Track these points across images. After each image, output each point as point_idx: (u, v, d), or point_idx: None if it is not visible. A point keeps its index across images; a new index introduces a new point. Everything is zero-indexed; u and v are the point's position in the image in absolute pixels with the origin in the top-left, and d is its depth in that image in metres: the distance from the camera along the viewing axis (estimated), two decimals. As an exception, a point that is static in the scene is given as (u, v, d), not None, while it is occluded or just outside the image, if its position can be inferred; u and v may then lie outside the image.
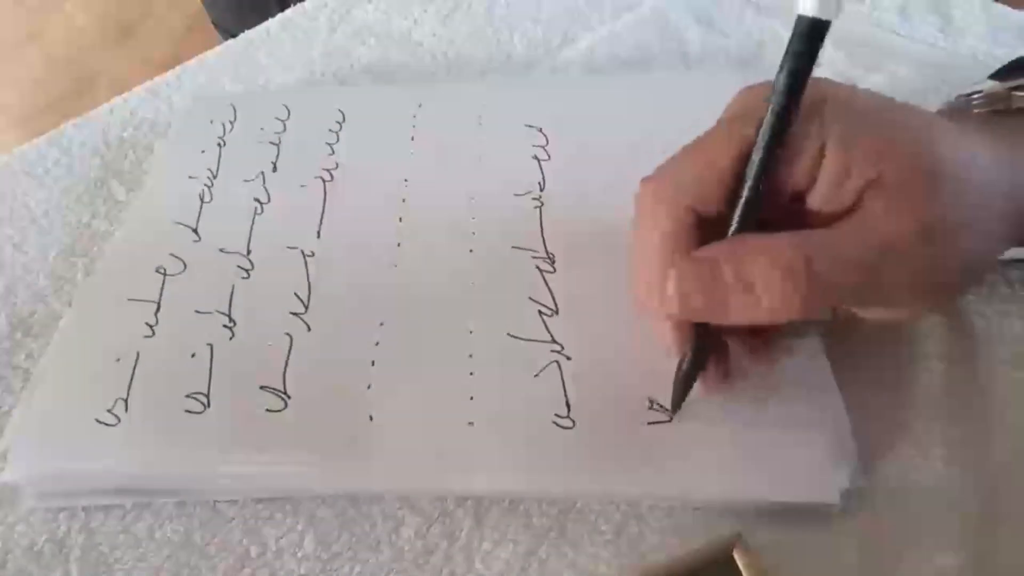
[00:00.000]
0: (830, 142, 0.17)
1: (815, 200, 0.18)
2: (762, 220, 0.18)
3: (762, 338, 0.20)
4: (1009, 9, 0.34)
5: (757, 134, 0.17)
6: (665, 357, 0.21)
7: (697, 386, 0.20)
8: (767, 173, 0.17)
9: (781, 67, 0.17)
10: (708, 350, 0.20)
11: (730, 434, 0.20)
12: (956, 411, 0.22)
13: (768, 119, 0.17)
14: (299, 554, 0.21)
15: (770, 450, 0.20)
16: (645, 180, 0.19)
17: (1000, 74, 0.24)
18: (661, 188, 0.19)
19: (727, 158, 0.18)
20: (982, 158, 0.18)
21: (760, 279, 0.17)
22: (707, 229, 0.18)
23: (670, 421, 0.20)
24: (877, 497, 0.20)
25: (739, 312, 0.17)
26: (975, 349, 0.23)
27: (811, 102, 0.17)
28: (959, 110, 0.21)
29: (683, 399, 0.20)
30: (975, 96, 0.21)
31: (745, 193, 0.18)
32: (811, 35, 0.16)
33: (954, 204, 0.17)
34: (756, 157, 0.17)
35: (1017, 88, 0.21)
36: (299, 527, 0.21)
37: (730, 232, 0.18)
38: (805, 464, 0.20)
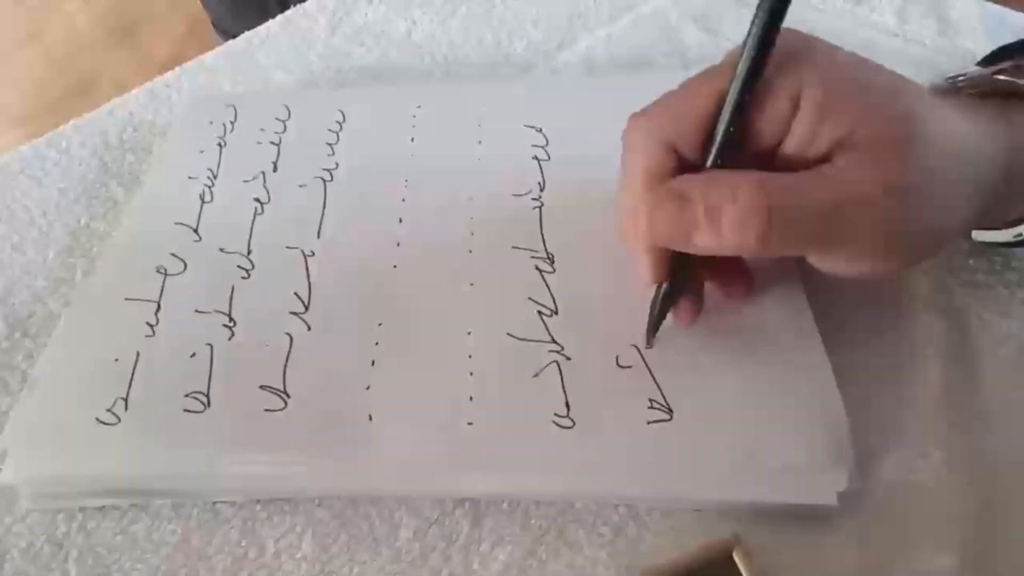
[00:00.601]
0: (805, 97, 0.18)
1: (787, 150, 0.19)
2: (739, 168, 0.19)
3: (740, 280, 0.22)
4: (1007, 10, 0.34)
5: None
6: (666, 357, 0.21)
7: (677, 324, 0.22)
8: (741, 116, 0.18)
9: (756, 13, 0.18)
10: (682, 282, 0.21)
11: (729, 435, 0.20)
12: (954, 413, 0.22)
13: (741, 63, 0.18)
14: (297, 555, 0.20)
15: (769, 451, 0.20)
16: (633, 115, 0.20)
17: (985, 62, 0.24)
18: (645, 124, 0.20)
19: (706, 101, 0.19)
20: (957, 129, 0.19)
21: (725, 211, 0.18)
22: (687, 172, 0.19)
23: (670, 420, 0.20)
24: (875, 499, 0.20)
25: (703, 241, 0.18)
26: (974, 350, 0.23)
27: (791, 54, 0.18)
28: (944, 90, 0.22)
29: (656, 329, 0.21)
30: (960, 78, 0.22)
31: (719, 133, 0.19)
32: None
33: (920, 168, 0.18)
34: (729, 99, 0.18)
35: (1000, 72, 0.21)
36: (297, 528, 0.21)
37: (706, 168, 0.19)
38: (804, 465, 0.20)
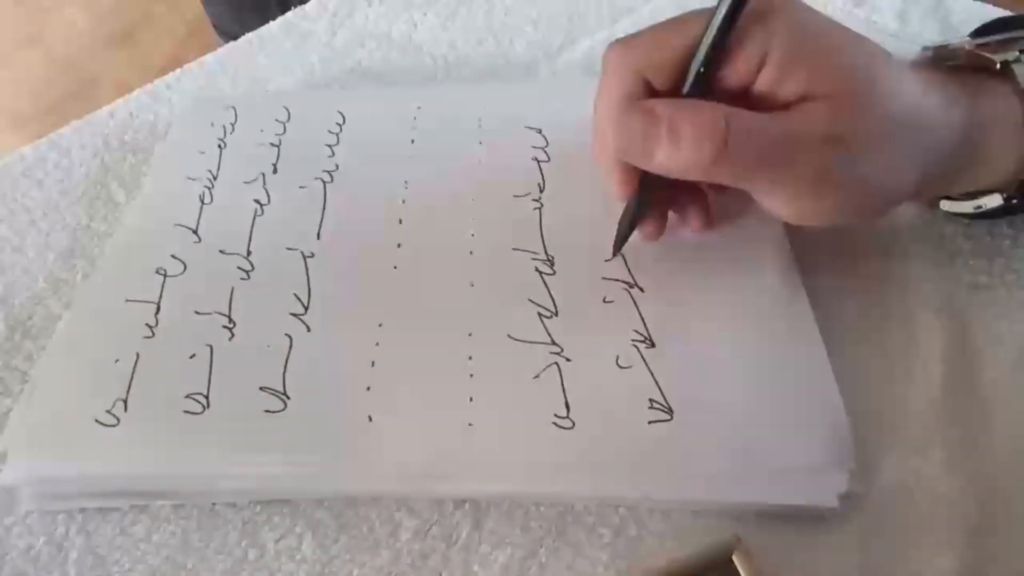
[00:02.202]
0: (772, 48, 0.19)
1: (754, 97, 0.20)
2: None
3: (701, 212, 0.24)
4: (1007, 12, 0.34)
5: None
6: (665, 357, 0.21)
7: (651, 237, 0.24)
8: (714, 58, 0.20)
9: None
10: (649, 200, 0.23)
11: (729, 435, 0.20)
12: (955, 414, 0.22)
13: (718, 10, 0.19)
14: (297, 556, 0.20)
15: (769, 452, 0.20)
16: (614, 42, 0.22)
17: (976, 34, 0.24)
18: (624, 52, 0.21)
19: (683, 41, 0.20)
20: (912, 96, 0.20)
21: (685, 131, 0.19)
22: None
23: (670, 420, 0.20)
24: (875, 500, 0.20)
25: (662, 157, 0.20)
26: (974, 352, 0.23)
27: (765, 8, 0.20)
28: (921, 60, 0.23)
29: (623, 242, 0.24)
30: (940, 48, 0.23)
31: (692, 70, 0.20)
32: None
33: (864, 124, 0.19)
34: (704, 41, 0.20)
35: (983, 47, 0.22)
36: (297, 529, 0.21)
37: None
38: (804, 466, 0.20)
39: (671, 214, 0.24)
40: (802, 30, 0.20)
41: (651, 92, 0.21)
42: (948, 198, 0.25)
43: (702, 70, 0.20)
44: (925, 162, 0.21)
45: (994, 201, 0.23)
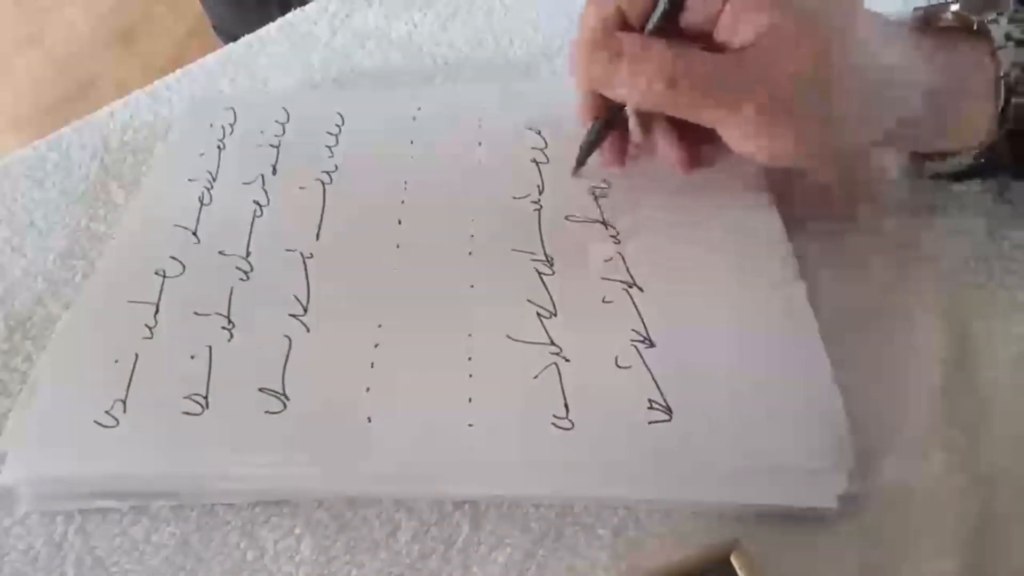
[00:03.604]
0: None
1: (717, 39, 0.22)
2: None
3: (693, 145, 0.25)
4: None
5: None
6: (664, 357, 0.22)
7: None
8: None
9: None
10: (611, 124, 0.25)
11: (729, 436, 0.20)
12: (954, 414, 0.22)
13: None
14: (296, 558, 0.20)
15: (768, 453, 0.20)
16: None
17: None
18: None
19: None
20: (875, 49, 0.21)
21: (644, 65, 0.21)
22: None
23: (669, 420, 0.20)
24: (875, 501, 0.20)
25: (624, 91, 0.22)
26: (974, 353, 0.23)
27: None
28: (904, 21, 0.24)
29: (583, 161, 0.26)
30: (929, 8, 0.24)
31: (659, 9, 0.22)
32: None
33: (826, 71, 0.21)
34: None
35: (969, 8, 0.23)
36: (296, 530, 0.21)
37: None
38: (803, 467, 0.20)
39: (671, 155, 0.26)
40: None
41: (625, 24, 0.23)
42: (928, 159, 0.26)
43: (667, 8, 0.22)
44: (892, 113, 0.22)
45: (966, 160, 0.24)
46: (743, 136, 0.22)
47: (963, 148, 0.24)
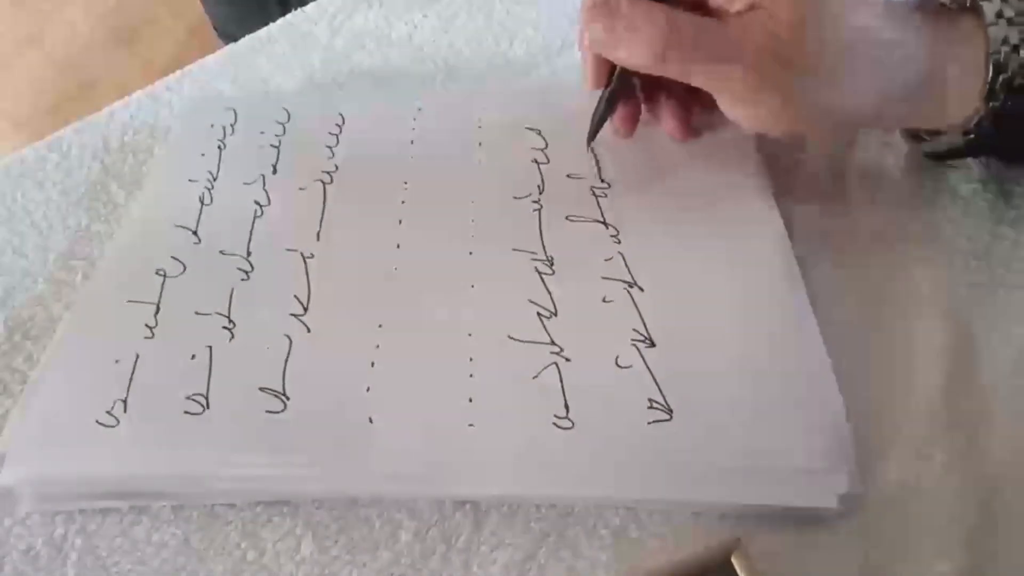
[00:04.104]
0: None
1: (712, 3, 0.23)
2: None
3: (689, 114, 0.26)
4: None
5: None
6: (665, 357, 0.22)
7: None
8: None
9: None
10: (619, 92, 0.26)
11: (729, 436, 0.20)
12: (955, 415, 0.22)
13: None
14: (296, 558, 0.20)
15: (769, 453, 0.20)
16: None
17: None
18: None
19: None
20: (869, 20, 0.22)
21: (641, 30, 0.22)
22: None
23: (670, 420, 0.20)
24: (876, 501, 0.20)
25: (624, 53, 0.23)
26: (974, 352, 0.23)
27: None
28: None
29: (596, 131, 0.27)
30: None
31: None
32: None
33: (813, 43, 0.21)
34: None
35: None
36: (297, 531, 0.21)
37: None
38: (804, 467, 0.20)
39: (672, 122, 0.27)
40: None
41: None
42: (920, 139, 0.26)
43: None
44: (882, 87, 0.22)
45: (956, 139, 0.24)
46: (732, 100, 0.23)
47: (951, 126, 0.24)
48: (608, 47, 0.23)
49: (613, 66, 0.25)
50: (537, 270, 0.25)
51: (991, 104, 0.22)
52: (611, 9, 0.23)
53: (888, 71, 0.22)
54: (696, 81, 0.23)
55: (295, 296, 0.24)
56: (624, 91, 0.26)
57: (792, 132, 0.24)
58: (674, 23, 0.22)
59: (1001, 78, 0.22)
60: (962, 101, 0.23)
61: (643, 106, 0.27)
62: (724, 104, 0.23)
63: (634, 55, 0.23)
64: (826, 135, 0.27)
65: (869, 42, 0.22)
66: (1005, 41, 0.22)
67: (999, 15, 0.22)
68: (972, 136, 0.23)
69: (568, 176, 0.28)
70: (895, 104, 0.23)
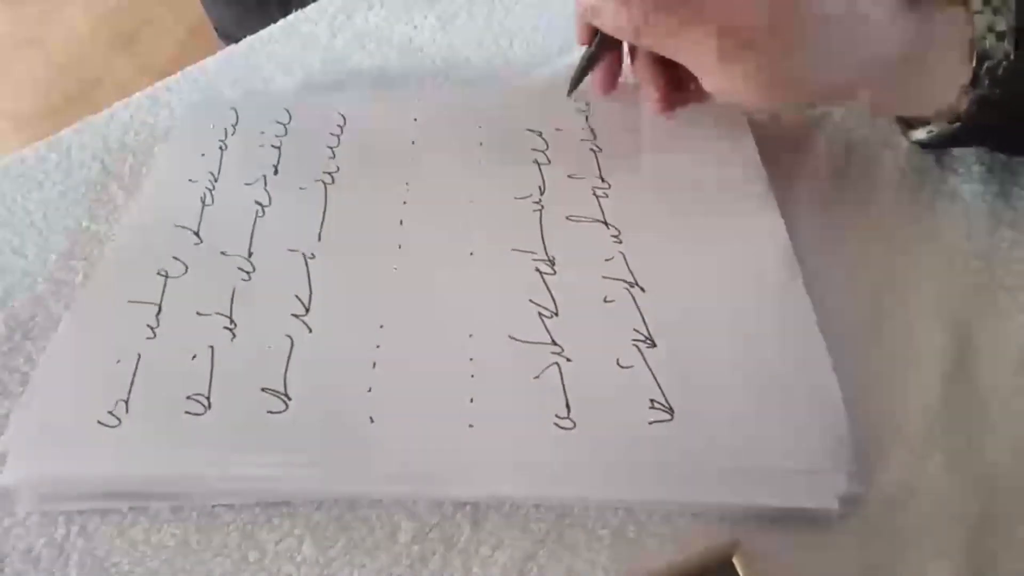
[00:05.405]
0: None
1: None
2: None
3: (678, 91, 0.27)
4: None
5: None
6: (666, 357, 0.22)
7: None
8: None
9: None
10: (602, 51, 0.27)
11: (730, 437, 0.20)
12: (955, 415, 0.22)
13: None
14: (297, 558, 0.20)
15: (769, 454, 0.20)
16: None
17: None
18: None
19: None
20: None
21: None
22: None
23: (671, 420, 0.20)
24: (876, 502, 0.20)
25: (608, 20, 0.24)
26: (974, 353, 0.23)
27: None
28: None
29: (577, 84, 0.28)
30: None
31: None
32: None
33: (784, 17, 0.21)
34: None
35: None
36: (297, 532, 0.21)
37: None
38: (804, 469, 0.20)
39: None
40: None
41: None
42: (911, 127, 0.26)
43: None
44: (861, 63, 0.22)
45: (943, 127, 0.24)
46: (705, 68, 0.23)
47: (938, 113, 0.24)
48: (595, 17, 0.24)
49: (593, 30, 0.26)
50: (538, 270, 0.25)
51: (976, 91, 0.22)
52: None
53: (865, 47, 0.22)
54: (670, 52, 0.23)
55: (296, 296, 0.24)
56: (607, 49, 0.27)
57: (765, 102, 0.24)
58: None
59: (986, 65, 0.22)
60: (945, 87, 0.23)
61: (627, 67, 0.28)
62: (699, 73, 0.23)
63: (619, 24, 0.23)
64: (800, 107, 0.28)
65: (846, 15, 0.22)
66: (991, 28, 0.22)
67: (986, 2, 0.22)
68: (958, 124, 0.23)
69: (569, 176, 0.28)
70: (872, 83, 0.23)
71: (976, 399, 0.22)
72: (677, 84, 0.26)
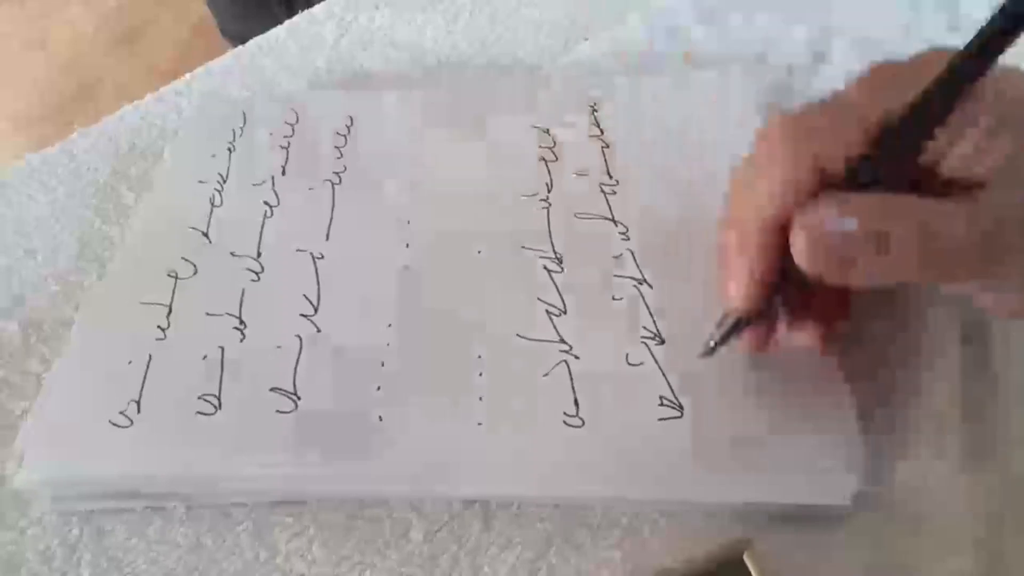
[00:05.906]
0: (975, 121, 0.16)
1: (945, 171, 0.17)
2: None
3: (819, 322, 0.20)
4: None
5: (915, 96, 0.16)
6: (675, 354, 0.22)
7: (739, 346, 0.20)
8: (928, 131, 0.16)
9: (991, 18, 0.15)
10: (755, 318, 0.19)
11: (740, 434, 0.20)
12: (969, 414, 0.22)
13: (957, 63, 0.16)
14: (308, 557, 0.21)
15: (781, 452, 0.20)
16: (776, 117, 0.18)
17: None
18: (793, 128, 0.17)
19: (873, 113, 0.17)
20: None
21: (894, 236, 0.16)
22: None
23: (680, 417, 0.20)
24: (889, 500, 0.20)
25: (871, 268, 0.17)
26: (990, 352, 0.23)
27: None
28: None
29: (714, 351, 0.20)
30: None
31: (897, 147, 0.17)
32: None
33: None
34: (927, 110, 0.16)
35: None
36: (308, 531, 0.21)
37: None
38: (816, 466, 0.20)
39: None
40: (1012, 96, 0.16)
41: (823, 185, 0.17)
42: None
43: (912, 143, 0.16)
44: None
45: None
46: (1003, 302, 0.18)
47: None
48: (842, 268, 0.17)
49: (774, 287, 0.19)
50: (546, 268, 0.25)
51: None
52: (842, 215, 0.16)
53: None
54: (965, 281, 0.18)
55: (305, 296, 0.25)
56: (763, 314, 0.20)
57: None
58: (928, 224, 0.16)
59: None
60: None
61: (784, 325, 0.21)
62: (986, 301, 0.19)
63: (889, 271, 0.17)
64: None
65: None
66: None
67: None
68: None
69: (576, 174, 0.28)
70: None
71: (991, 396, 0.22)
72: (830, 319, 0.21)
